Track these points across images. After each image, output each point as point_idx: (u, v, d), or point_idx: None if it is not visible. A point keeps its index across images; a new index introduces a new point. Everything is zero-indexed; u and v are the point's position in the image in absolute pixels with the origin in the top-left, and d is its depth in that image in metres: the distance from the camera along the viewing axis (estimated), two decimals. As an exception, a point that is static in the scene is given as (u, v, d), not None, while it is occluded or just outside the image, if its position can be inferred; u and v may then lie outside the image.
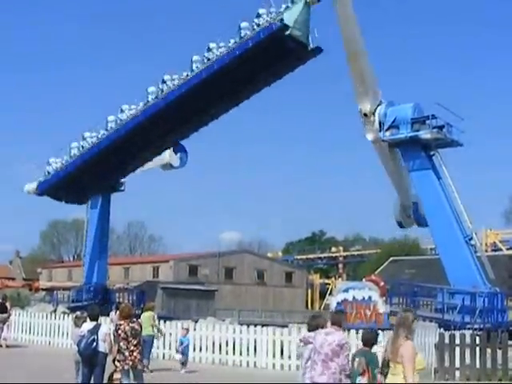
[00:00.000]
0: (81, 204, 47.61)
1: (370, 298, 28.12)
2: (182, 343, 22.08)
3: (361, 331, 16.88)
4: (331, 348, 10.28)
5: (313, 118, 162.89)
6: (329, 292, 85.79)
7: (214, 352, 24.09)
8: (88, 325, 14.56)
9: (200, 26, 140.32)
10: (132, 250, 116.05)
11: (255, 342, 23.39)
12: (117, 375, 14.19)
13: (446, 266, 32.52)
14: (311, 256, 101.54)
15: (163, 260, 74.85)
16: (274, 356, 22.92)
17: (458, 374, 19.82)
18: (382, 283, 30.55)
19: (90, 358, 14.03)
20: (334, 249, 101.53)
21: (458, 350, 19.68)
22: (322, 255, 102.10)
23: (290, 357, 22.70)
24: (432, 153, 33.64)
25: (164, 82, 39.37)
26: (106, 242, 48.70)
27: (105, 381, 14.32)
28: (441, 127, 33.42)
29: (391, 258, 63.60)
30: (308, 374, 10.58)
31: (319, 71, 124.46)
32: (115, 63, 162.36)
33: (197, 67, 37.31)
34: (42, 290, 63.45)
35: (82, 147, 42.94)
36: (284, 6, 33.91)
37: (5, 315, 28.54)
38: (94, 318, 14.70)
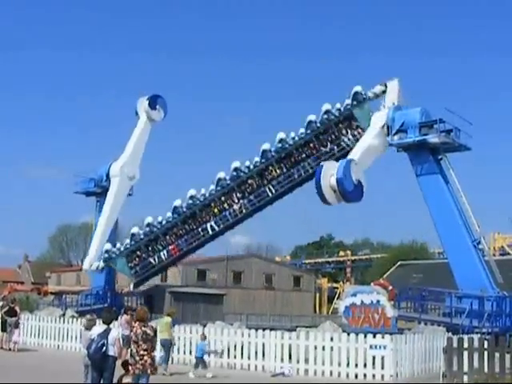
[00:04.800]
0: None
1: (378, 302, 28.09)
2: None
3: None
4: None
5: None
6: (337, 296, 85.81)
7: (221, 356, 24.16)
8: (98, 329, 14.64)
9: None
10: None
11: (263, 345, 23.46)
12: (126, 379, 14.26)
13: (454, 270, 32.50)
14: (319, 260, 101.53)
15: (171, 264, 74.78)
16: (282, 360, 22.98)
17: (466, 378, 19.80)
18: (390, 287, 30.59)
19: (100, 361, 14.10)
20: (342, 253, 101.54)
21: (466, 353, 19.65)
22: (330, 259, 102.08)
23: (298, 361, 22.76)
24: (440, 157, 33.63)
25: (236, 169, 41.26)
26: (114, 246, 48.74)
27: (114, 385, 14.39)
28: (449, 131, 33.42)
29: (399, 262, 63.57)
30: None
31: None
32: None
33: (272, 156, 40.23)
34: (51, 293, 63.42)
35: (151, 232, 44.09)
36: (348, 101, 37.26)
37: (14, 319, 28.71)
38: (107, 322, 14.77)
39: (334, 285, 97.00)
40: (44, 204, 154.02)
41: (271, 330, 24.44)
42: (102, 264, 44.74)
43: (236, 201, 41.10)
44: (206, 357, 22.28)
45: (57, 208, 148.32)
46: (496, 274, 32.30)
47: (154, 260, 43.92)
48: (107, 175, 46.92)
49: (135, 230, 44.77)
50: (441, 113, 33.82)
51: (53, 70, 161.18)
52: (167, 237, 43.48)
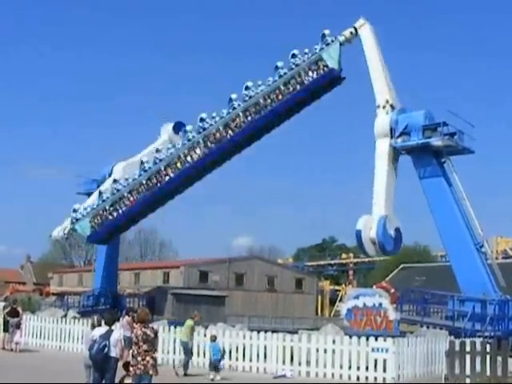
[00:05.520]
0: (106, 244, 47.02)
1: (380, 304, 28.10)
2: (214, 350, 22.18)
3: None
4: None
5: (325, 124, 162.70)
6: (339, 299, 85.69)
7: (224, 358, 24.10)
8: (100, 330, 14.64)
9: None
10: (143, 256, 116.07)
11: (265, 348, 23.42)
12: (127, 380, 14.25)
13: (456, 274, 32.43)
14: (321, 262, 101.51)
15: (174, 266, 74.82)
16: (284, 362, 22.96)
17: (468, 381, 19.78)
18: (392, 290, 30.55)
19: (102, 363, 14.12)
20: (344, 255, 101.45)
21: (468, 357, 19.64)
22: (333, 262, 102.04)
23: (300, 363, 22.73)
24: (443, 160, 33.57)
25: (202, 119, 40.61)
26: (116, 248, 48.79)
27: (115, 385, 14.39)
28: (452, 134, 33.35)
29: (402, 265, 63.57)
30: None
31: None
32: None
33: (238, 104, 39.30)
34: (53, 294, 63.48)
35: (117, 190, 42.83)
36: (317, 46, 37.02)
37: (16, 319, 28.68)
38: (109, 323, 14.75)
39: (336, 287, 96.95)
40: (46, 204, 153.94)
41: (273, 332, 24.39)
42: (69, 226, 43.92)
43: (199, 152, 40.21)
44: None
45: (59, 208, 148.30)
46: (499, 277, 32.25)
47: (113, 217, 42.73)
48: (110, 176, 46.83)
49: (103, 188, 43.84)
50: (444, 115, 33.80)
51: (53, 70, 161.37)
52: (130, 195, 42.31)
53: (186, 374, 22.29)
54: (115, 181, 43.15)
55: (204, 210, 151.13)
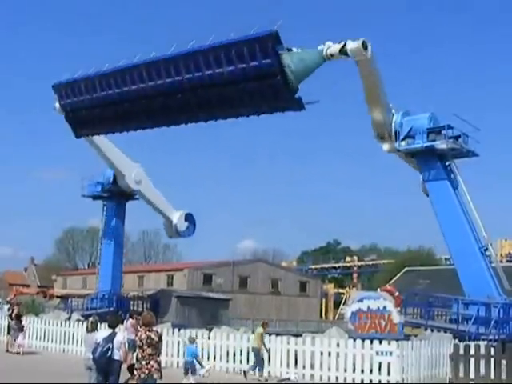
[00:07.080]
0: (77, 136, 37.50)
1: (384, 308, 28.01)
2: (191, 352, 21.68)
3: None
4: None
5: (329, 126, 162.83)
6: (343, 302, 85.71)
7: (228, 361, 24.10)
8: (103, 332, 14.62)
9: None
10: (147, 258, 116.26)
11: (269, 351, 23.37)
12: (132, 382, 14.23)
13: (461, 277, 32.38)
14: (326, 265, 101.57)
15: (178, 268, 74.90)
16: (288, 365, 22.91)
17: (472, 384, 19.73)
18: (397, 293, 30.49)
19: (105, 365, 14.08)
20: (348, 258, 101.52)
21: (472, 361, 19.56)
22: (337, 265, 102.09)
23: (304, 366, 22.67)
24: (448, 163, 33.53)
25: None
26: (120, 250, 48.81)
27: (119, 388, 14.36)
28: (457, 137, 33.29)
29: (406, 268, 63.54)
30: None
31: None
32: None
33: None
34: (57, 297, 63.47)
35: None
36: None
37: (14, 322, 28.83)
38: (113, 326, 14.73)
39: (341, 290, 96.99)
40: (51, 206, 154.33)
41: (277, 335, 24.34)
42: None
43: None
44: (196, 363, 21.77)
45: (65, 210, 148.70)
46: (503, 280, 32.20)
47: None
48: (114, 178, 46.69)
49: None
50: (449, 118, 33.75)
51: (55, 70, 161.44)
52: None
53: (260, 379, 22.26)
54: None
55: (208, 212, 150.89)
